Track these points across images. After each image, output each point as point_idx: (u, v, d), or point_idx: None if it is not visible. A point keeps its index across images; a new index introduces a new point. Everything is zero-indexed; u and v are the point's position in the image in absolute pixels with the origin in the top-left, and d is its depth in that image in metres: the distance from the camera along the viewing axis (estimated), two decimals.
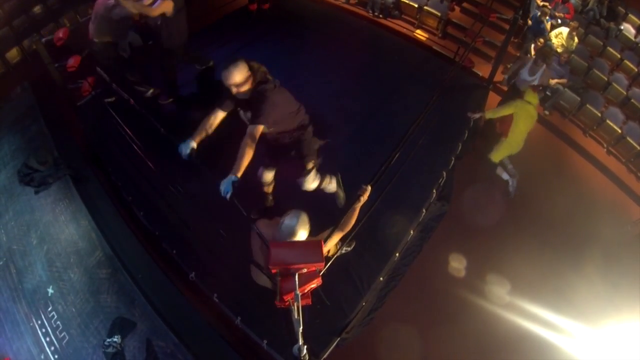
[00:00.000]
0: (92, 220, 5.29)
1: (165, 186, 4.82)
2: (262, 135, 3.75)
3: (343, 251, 3.84)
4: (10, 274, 4.98)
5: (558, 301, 5.06)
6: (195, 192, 4.62)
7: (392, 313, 4.85)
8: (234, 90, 3.65)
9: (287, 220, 3.36)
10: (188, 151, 3.70)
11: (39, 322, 4.61)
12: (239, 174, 3.44)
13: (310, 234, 3.49)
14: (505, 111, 6.14)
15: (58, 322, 4.58)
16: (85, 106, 6.32)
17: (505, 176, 6.51)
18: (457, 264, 5.31)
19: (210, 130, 3.84)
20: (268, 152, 4.39)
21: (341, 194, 4.90)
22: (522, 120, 6.07)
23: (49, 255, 5.10)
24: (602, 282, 5.21)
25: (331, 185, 4.74)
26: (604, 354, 4.81)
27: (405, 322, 4.68)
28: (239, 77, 3.59)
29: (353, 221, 3.61)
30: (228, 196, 3.37)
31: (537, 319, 4.94)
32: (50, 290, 4.80)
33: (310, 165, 4.30)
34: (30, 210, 5.50)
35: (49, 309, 4.68)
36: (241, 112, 3.94)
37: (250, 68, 3.66)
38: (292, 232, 3.33)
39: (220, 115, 3.87)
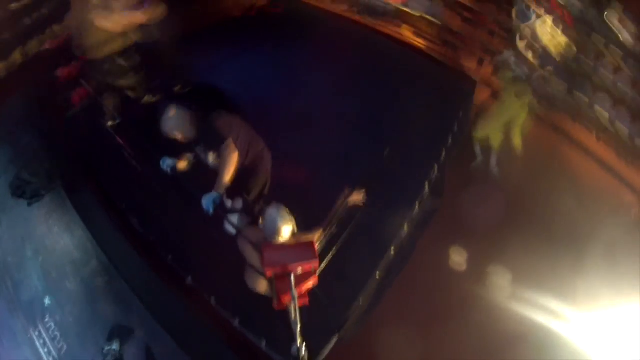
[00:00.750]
0: (86, 230, 5.25)
1: (158, 192, 4.82)
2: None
3: None
4: (7, 287, 4.96)
5: (559, 298, 5.06)
6: (188, 197, 4.61)
7: (390, 311, 4.84)
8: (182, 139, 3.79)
9: (268, 217, 3.38)
10: (172, 165, 3.94)
11: (37, 333, 4.59)
12: (221, 191, 3.56)
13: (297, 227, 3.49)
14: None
15: (56, 332, 4.56)
16: (76, 116, 6.29)
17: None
18: (455, 260, 5.30)
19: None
20: None
21: None
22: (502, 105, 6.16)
23: (45, 266, 5.08)
24: (605, 275, 5.19)
25: None
26: (604, 352, 4.82)
27: (404, 320, 4.66)
28: (175, 126, 3.73)
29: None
30: (211, 212, 3.42)
31: (537, 315, 4.93)
32: (47, 301, 4.78)
33: None
34: (24, 223, 5.47)
35: (47, 319, 4.66)
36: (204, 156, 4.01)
37: (188, 108, 3.78)
38: (276, 227, 3.32)
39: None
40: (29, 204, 5.56)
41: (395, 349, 4.53)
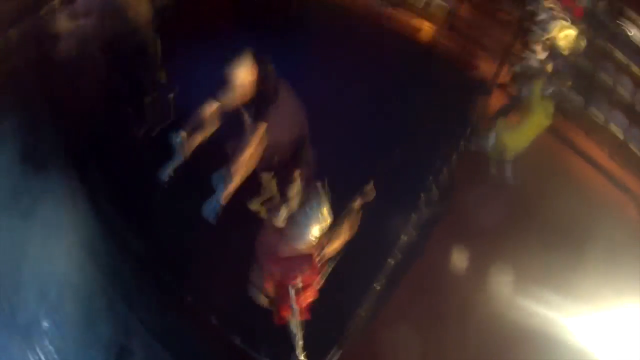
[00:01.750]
0: (84, 251, 5.31)
1: (158, 207, 4.86)
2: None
3: None
4: (3, 310, 5.00)
5: (562, 302, 5.06)
6: (188, 214, 4.65)
7: (393, 315, 4.85)
8: (239, 90, 3.49)
9: (301, 217, 3.16)
10: (179, 139, 3.61)
11: (36, 357, 4.62)
12: (235, 177, 3.41)
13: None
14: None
15: (55, 356, 4.59)
16: None
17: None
18: (458, 264, 5.30)
19: (202, 122, 3.73)
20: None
21: None
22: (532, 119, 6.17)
23: (43, 289, 5.12)
24: (608, 277, 5.19)
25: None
26: (606, 354, 4.80)
27: (407, 324, 4.67)
28: (243, 76, 3.44)
29: (356, 225, 3.58)
30: (212, 220, 3.36)
31: (540, 318, 4.93)
32: (45, 324, 4.83)
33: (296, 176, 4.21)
34: (21, 245, 5.50)
35: (45, 342, 4.71)
36: (243, 113, 3.76)
37: (259, 63, 3.53)
38: (310, 228, 3.11)
39: (215, 106, 3.73)
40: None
41: (398, 350, 4.53)
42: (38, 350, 4.68)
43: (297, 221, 3.14)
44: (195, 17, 7.42)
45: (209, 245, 4.46)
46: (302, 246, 3.13)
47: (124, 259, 5.24)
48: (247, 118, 3.73)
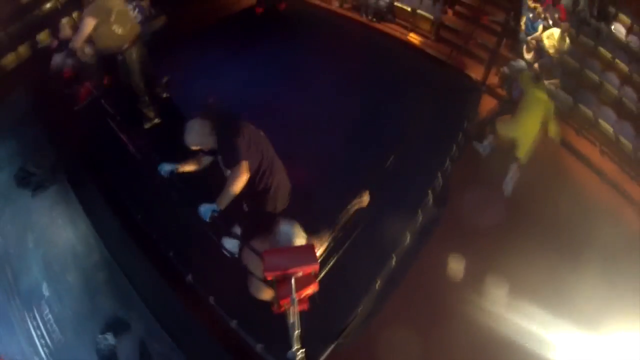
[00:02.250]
0: (89, 224, 5.23)
1: (162, 189, 4.78)
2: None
3: None
4: (6, 276, 4.92)
5: (557, 303, 5.02)
6: (193, 195, 4.57)
7: (390, 317, 4.79)
8: (204, 149, 3.72)
9: (283, 233, 3.34)
10: (169, 170, 3.90)
11: (34, 323, 4.55)
12: (222, 207, 3.46)
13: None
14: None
15: (53, 324, 4.52)
16: (83, 111, 6.27)
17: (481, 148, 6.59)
18: (456, 267, 5.26)
19: (195, 168, 4.03)
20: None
21: None
22: (532, 104, 6.12)
23: (46, 257, 5.03)
24: (602, 283, 5.15)
25: None
26: (603, 356, 4.79)
27: (404, 326, 4.61)
28: (194, 139, 3.65)
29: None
30: (207, 220, 3.42)
31: (536, 321, 4.90)
32: (46, 292, 4.74)
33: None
34: (27, 214, 5.43)
35: (45, 310, 4.61)
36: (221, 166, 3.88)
37: (210, 120, 3.66)
38: (290, 240, 3.29)
39: (203, 162, 4.03)
40: (33, 195, 5.53)
41: (394, 352, 4.50)
42: (37, 316, 4.58)
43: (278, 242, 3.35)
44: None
45: (211, 226, 4.40)
46: None
47: (129, 235, 5.16)
48: (220, 161, 3.86)
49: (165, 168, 3.84)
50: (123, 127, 5.14)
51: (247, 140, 3.63)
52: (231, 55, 7.43)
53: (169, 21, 7.95)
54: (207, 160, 4.02)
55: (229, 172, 3.66)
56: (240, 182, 3.51)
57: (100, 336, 4.29)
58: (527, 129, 6.13)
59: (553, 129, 6.26)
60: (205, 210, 3.41)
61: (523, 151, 6.24)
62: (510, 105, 6.67)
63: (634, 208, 6.53)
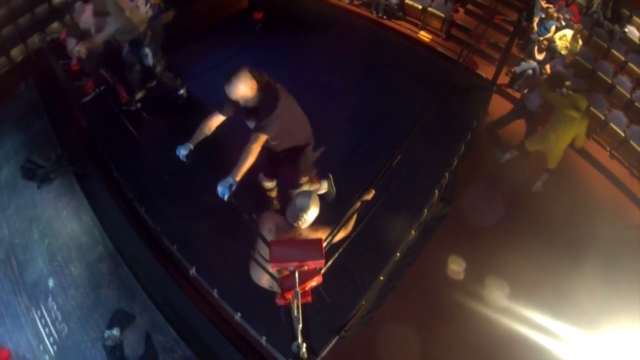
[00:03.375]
0: (94, 216, 5.31)
1: (167, 182, 4.83)
2: (265, 143, 3.72)
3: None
4: (12, 267, 5.00)
5: (558, 303, 5.05)
6: (197, 189, 4.61)
7: (392, 312, 4.84)
8: (241, 102, 3.64)
9: (300, 198, 3.39)
10: (186, 152, 3.76)
11: (39, 314, 4.62)
12: (238, 178, 3.44)
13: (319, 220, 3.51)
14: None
15: (58, 315, 4.59)
16: (89, 103, 6.33)
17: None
18: (458, 265, 5.29)
19: (208, 133, 3.90)
20: (268, 160, 4.37)
21: (332, 192, 5.00)
22: (563, 123, 6.04)
23: (51, 249, 5.12)
24: (602, 284, 5.18)
25: (322, 189, 4.82)
26: (602, 357, 4.79)
27: (405, 322, 4.66)
28: (243, 90, 3.54)
29: (352, 221, 3.62)
30: (226, 198, 3.38)
31: (537, 320, 4.92)
32: (51, 284, 4.81)
33: (303, 182, 4.40)
34: (33, 205, 5.52)
35: (50, 302, 4.69)
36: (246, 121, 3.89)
37: (254, 77, 3.60)
38: (305, 208, 3.36)
39: (219, 119, 3.90)
40: (39, 187, 5.61)
41: (396, 346, 4.53)
42: (42, 308, 4.66)
43: (294, 204, 3.39)
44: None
45: (216, 220, 4.44)
46: (294, 223, 3.41)
47: (133, 227, 5.22)
48: (250, 125, 3.85)
49: (182, 151, 3.78)
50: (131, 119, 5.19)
51: (282, 115, 3.67)
52: (237, 52, 7.46)
53: (176, 17, 7.99)
54: (219, 119, 3.95)
55: (252, 124, 3.76)
56: (254, 154, 3.54)
57: (107, 333, 4.34)
58: (558, 145, 6.11)
59: (579, 141, 6.24)
60: (224, 187, 3.38)
61: (553, 163, 6.27)
62: (524, 112, 6.66)
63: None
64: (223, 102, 3.80)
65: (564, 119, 5.97)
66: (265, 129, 3.61)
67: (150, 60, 5.83)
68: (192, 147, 3.80)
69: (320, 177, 4.78)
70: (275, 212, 3.74)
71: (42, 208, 5.47)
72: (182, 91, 6.45)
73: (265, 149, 3.94)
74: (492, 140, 6.88)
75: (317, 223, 3.53)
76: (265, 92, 3.66)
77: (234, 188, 3.40)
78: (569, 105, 5.92)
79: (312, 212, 3.40)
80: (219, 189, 3.39)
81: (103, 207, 5.44)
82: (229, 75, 3.53)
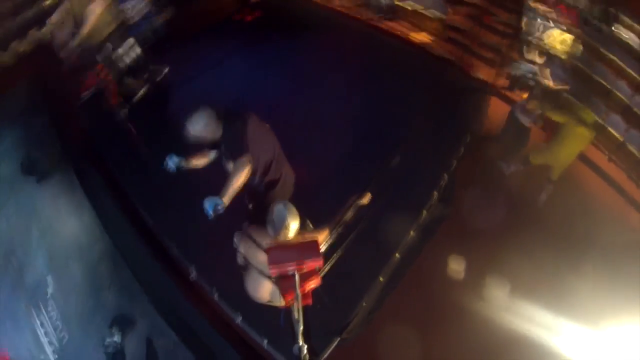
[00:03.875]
0: (94, 215, 5.28)
1: (166, 181, 4.83)
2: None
3: None
4: (12, 267, 4.98)
5: (558, 303, 5.05)
6: (197, 189, 4.61)
7: (392, 313, 4.85)
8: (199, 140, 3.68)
9: (277, 212, 3.33)
10: (174, 166, 3.83)
11: (39, 317, 4.62)
12: (226, 201, 3.44)
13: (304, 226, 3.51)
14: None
15: (58, 318, 4.58)
16: (89, 101, 6.32)
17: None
18: (457, 266, 5.29)
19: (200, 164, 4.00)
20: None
21: None
22: (571, 138, 6.03)
23: (51, 248, 5.10)
24: (602, 284, 5.18)
25: None
26: (603, 356, 4.81)
27: (406, 323, 4.66)
28: (199, 128, 3.62)
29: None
30: (210, 216, 3.39)
31: (537, 320, 4.93)
32: (50, 284, 4.80)
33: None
34: (32, 204, 5.49)
35: (50, 304, 4.68)
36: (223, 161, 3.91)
37: (217, 110, 3.68)
38: (285, 222, 3.28)
39: (209, 156, 4.01)
40: (38, 181, 5.56)
41: (396, 350, 4.55)
42: (43, 311, 4.65)
43: (273, 218, 3.34)
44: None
45: (216, 222, 4.44)
46: (279, 238, 3.32)
47: (133, 226, 5.21)
48: (223, 153, 3.89)
49: (173, 160, 3.80)
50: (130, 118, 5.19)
51: (253, 133, 3.67)
52: (232, 55, 7.46)
53: (171, 19, 7.99)
54: (212, 155, 4.01)
55: (230, 165, 3.70)
56: (243, 175, 3.53)
57: (108, 339, 4.34)
58: (566, 159, 6.14)
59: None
60: (210, 203, 3.38)
61: (557, 175, 6.26)
62: (519, 132, 6.62)
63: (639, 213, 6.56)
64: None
65: (572, 134, 5.98)
66: (244, 149, 3.60)
67: (137, 49, 5.87)
68: (185, 161, 3.89)
69: None
70: (258, 227, 3.65)
71: (41, 206, 5.46)
72: (165, 70, 6.61)
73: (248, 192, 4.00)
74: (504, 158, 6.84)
75: (306, 230, 3.54)
76: (228, 119, 3.72)
77: (220, 209, 3.40)
78: (576, 122, 5.92)
79: (293, 226, 3.33)
80: (206, 204, 3.39)
81: (103, 205, 5.41)
82: (190, 114, 3.64)
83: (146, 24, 7.31)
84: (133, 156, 5.49)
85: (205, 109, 3.64)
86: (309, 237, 3.43)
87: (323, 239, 3.61)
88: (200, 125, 3.60)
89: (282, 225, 3.27)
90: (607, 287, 5.17)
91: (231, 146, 3.69)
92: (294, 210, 3.37)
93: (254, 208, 4.31)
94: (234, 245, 3.69)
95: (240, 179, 3.51)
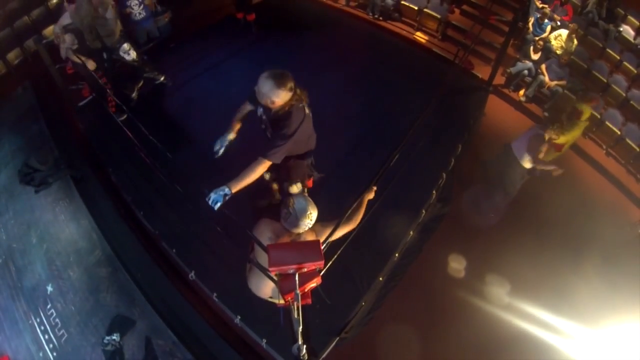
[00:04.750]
0: (92, 220, 5.30)
1: (165, 186, 4.82)
2: None
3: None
4: (10, 273, 4.98)
5: (557, 301, 5.06)
6: (195, 192, 4.60)
7: (392, 313, 4.85)
8: (268, 104, 3.55)
9: (298, 204, 3.29)
10: (220, 147, 3.89)
11: (38, 320, 4.61)
12: (234, 191, 3.41)
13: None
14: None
15: (57, 321, 4.58)
16: (86, 107, 6.32)
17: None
18: (457, 264, 5.30)
19: (240, 122, 4.01)
20: None
21: None
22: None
23: (49, 254, 5.10)
24: (601, 282, 5.20)
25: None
26: (602, 355, 4.80)
27: (405, 322, 4.67)
28: (274, 94, 3.48)
29: (360, 216, 3.60)
30: (217, 207, 3.34)
31: (537, 319, 4.93)
32: (49, 289, 4.80)
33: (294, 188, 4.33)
34: (30, 210, 5.49)
35: (48, 307, 4.67)
36: (259, 111, 3.85)
37: (292, 90, 3.54)
38: (306, 212, 3.27)
39: (247, 108, 4.00)
40: (36, 192, 5.59)
41: (396, 349, 4.54)
42: (41, 314, 4.65)
43: (294, 211, 3.27)
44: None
45: (215, 224, 4.43)
46: (298, 230, 3.31)
47: (131, 231, 5.20)
48: (262, 121, 3.86)
49: (221, 142, 3.90)
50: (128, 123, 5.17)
51: (295, 142, 3.69)
52: (234, 54, 7.46)
53: (172, 18, 8.01)
54: (247, 109, 4.03)
55: (268, 133, 3.77)
56: (257, 175, 3.54)
57: (107, 338, 4.34)
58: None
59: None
60: (217, 195, 3.34)
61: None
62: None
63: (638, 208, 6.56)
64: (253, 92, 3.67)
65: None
66: (274, 157, 3.56)
67: (132, 54, 5.89)
68: (230, 137, 3.94)
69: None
70: (270, 220, 3.63)
71: (39, 212, 5.45)
72: (162, 78, 6.58)
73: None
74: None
75: (316, 224, 3.52)
76: (292, 112, 3.60)
77: (227, 198, 3.36)
78: (581, 127, 5.83)
79: (314, 215, 3.32)
80: (212, 197, 3.34)
81: (101, 210, 5.42)
82: (272, 73, 3.48)
83: (150, 22, 7.38)
84: (131, 161, 5.47)
85: (289, 80, 3.53)
86: (313, 237, 3.44)
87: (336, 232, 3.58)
88: (278, 88, 3.47)
89: (304, 214, 3.26)
90: (607, 286, 5.17)
91: (272, 131, 3.71)
92: (311, 200, 3.37)
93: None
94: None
95: (255, 176, 3.52)
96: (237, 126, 3.98)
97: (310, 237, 3.44)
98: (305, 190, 4.50)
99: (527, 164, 5.85)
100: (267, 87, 3.44)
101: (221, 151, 3.91)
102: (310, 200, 3.36)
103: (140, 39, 7.35)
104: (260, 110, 3.83)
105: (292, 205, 3.30)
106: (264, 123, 3.85)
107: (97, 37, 5.58)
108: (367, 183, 3.67)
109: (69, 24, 5.38)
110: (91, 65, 5.63)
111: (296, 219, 3.28)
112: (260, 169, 3.54)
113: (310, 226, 3.33)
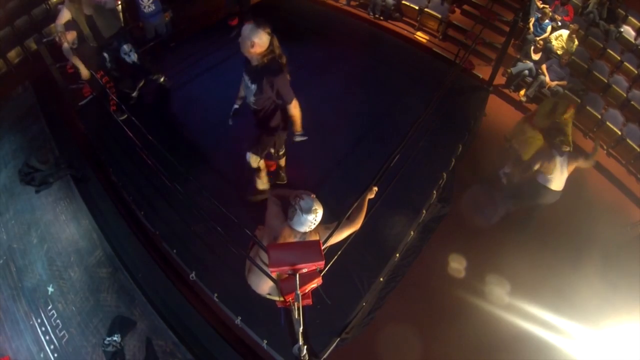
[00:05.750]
0: (92, 220, 5.30)
1: (165, 186, 4.82)
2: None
3: None
4: (11, 273, 4.98)
5: (557, 301, 5.06)
6: (195, 192, 4.60)
7: (392, 313, 4.84)
8: (249, 48, 3.82)
9: (304, 204, 3.35)
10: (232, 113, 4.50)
11: (39, 320, 4.61)
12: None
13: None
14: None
15: (58, 321, 4.58)
16: (87, 106, 6.31)
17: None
18: (457, 265, 5.30)
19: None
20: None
21: None
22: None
23: (50, 254, 5.10)
24: (601, 282, 5.21)
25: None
26: (603, 354, 4.80)
27: (405, 322, 4.67)
28: (258, 38, 3.79)
29: (362, 217, 3.61)
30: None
31: (537, 319, 4.94)
32: (50, 289, 4.80)
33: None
34: (31, 210, 5.50)
35: (49, 307, 4.67)
36: (245, 78, 4.18)
37: (269, 34, 3.87)
38: (312, 207, 3.33)
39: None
40: (37, 191, 5.59)
41: (396, 349, 4.54)
42: (42, 313, 4.65)
43: (300, 211, 3.33)
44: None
45: (215, 224, 4.43)
46: (303, 229, 3.37)
47: (132, 231, 5.20)
48: (246, 85, 4.20)
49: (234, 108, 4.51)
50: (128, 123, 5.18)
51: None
52: (233, 54, 7.45)
53: (173, 19, 8.01)
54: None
55: (253, 86, 4.09)
56: (300, 115, 4.23)
57: (107, 339, 4.34)
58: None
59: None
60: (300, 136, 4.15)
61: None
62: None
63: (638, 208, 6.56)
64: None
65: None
66: (289, 94, 4.13)
67: (132, 56, 5.90)
68: (237, 105, 4.49)
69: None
70: (278, 216, 3.68)
71: (40, 212, 5.45)
72: (162, 79, 6.58)
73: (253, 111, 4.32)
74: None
75: (319, 226, 3.53)
76: (272, 60, 3.99)
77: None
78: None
79: (320, 212, 3.37)
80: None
81: (101, 210, 5.42)
82: (255, 21, 3.82)
83: (159, 18, 7.42)
84: (131, 161, 5.46)
85: (266, 28, 3.86)
86: (316, 236, 3.46)
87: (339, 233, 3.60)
88: (262, 34, 3.83)
89: (310, 211, 3.31)
90: (607, 286, 5.18)
91: (284, 89, 4.11)
92: (316, 199, 3.41)
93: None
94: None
95: (299, 114, 4.22)
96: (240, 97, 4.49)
97: (314, 237, 3.45)
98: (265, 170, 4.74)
99: (556, 186, 5.61)
100: (247, 29, 3.80)
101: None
102: (317, 201, 3.39)
103: (148, 35, 7.43)
104: (245, 79, 4.18)
105: (298, 202, 3.35)
106: (250, 87, 4.15)
107: (94, 28, 5.57)
108: (367, 183, 3.67)
109: (67, 21, 5.35)
110: (84, 72, 5.60)
111: (301, 216, 3.33)
112: (296, 111, 4.21)
113: (316, 223, 3.37)
